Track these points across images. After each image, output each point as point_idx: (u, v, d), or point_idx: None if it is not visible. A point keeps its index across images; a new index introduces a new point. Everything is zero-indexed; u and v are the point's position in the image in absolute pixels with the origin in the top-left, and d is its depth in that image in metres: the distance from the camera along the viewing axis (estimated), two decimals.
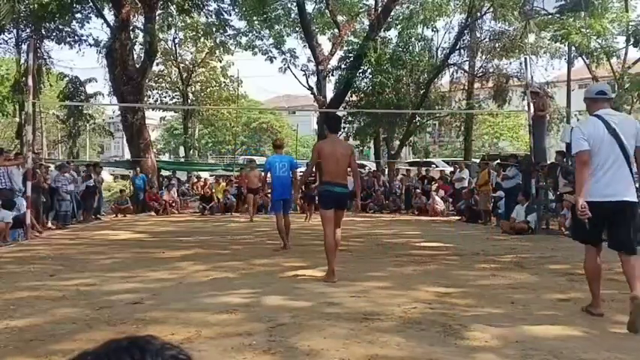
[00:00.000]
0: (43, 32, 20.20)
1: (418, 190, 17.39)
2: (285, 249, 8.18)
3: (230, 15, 23.08)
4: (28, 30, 20.26)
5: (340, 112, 22.42)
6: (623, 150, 3.93)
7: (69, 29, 20.38)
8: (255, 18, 23.45)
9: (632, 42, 18.90)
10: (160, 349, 0.74)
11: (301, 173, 9.20)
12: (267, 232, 10.67)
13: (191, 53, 31.19)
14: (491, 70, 22.21)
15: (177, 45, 29.50)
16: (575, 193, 4.31)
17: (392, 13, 21.68)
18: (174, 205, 17.52)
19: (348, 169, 6.01)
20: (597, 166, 3.95)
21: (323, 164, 5.95)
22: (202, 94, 32.97)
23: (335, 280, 5.66)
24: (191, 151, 33.01)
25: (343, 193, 5.89)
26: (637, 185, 4.24)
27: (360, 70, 21.25)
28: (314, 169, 7.60)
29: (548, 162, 11.71)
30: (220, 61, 30.72)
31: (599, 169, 3.95)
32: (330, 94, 22.57)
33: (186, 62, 31.06)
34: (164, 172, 21.08)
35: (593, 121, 4.07)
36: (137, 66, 18.65)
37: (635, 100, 19.75)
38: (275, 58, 24.22)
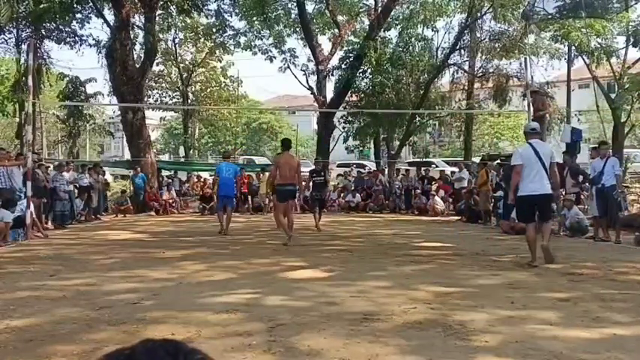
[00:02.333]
0: (43, 32, 20.20)
1: (418, 190, 17.39)
2: (223, 234, 10.48)
3: (231, 16, 23.13)
4: (28, 30, 20.27)
5: (340, 112, 22.47)
6: (543, 165, 6.69)
7: (69, 29, 20.39)
8: (255, 18, 23.45)
9: (632, 42, 18.88)
10: (191, 352, 0.79)
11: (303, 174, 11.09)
12: (267, 232, 10.69)
13: (191, 53, 31.19)
14: (491, 70, 22.19)
15: (177, 45, 29.49)
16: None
17: (392, 13, 21.66)
18: (174, 205, 17.52)
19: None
20: (529, 175, 6.68)
21: (279, 171, 9.05)
22: (202, 94, 32.93)
23: (288, 243, 8.65)
24: (191, 151, 32.98)
25: (292, 190, 9.20)
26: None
27: (360, 70, 21.23)
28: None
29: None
30: (220, 61, 30.73)
31: (530, 177, 6.68)
32: (330, 94, 22.58)
33: (186, 62, 31.02)
34: (165, 172, 21.07)
35: (527, 147, 6.87)
36: (137, 66, 18.64)
37: (635, 100, 19.73)
38: (275, 57, 24.23)
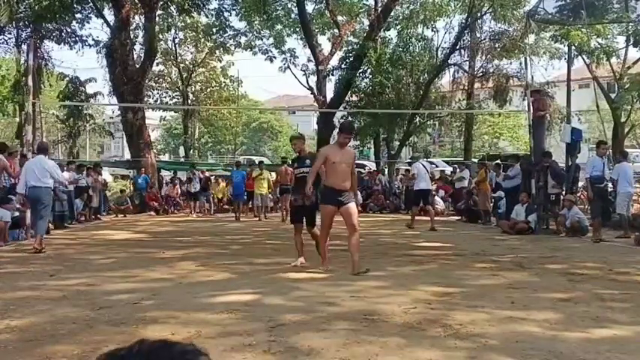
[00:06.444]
0: (43, 32, 20.19)
1: None
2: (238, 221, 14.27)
3: (230, 15, 23.14)
4: (28, 30, 20.25)
5: (340, 112, 22.46)
6: (427, 170, 11.85)
7: (69, 29, 20.37)
8: (255, 18, 23.46)
9: (632, 42, 18.89)
10: (183, 353, 0.78)
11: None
12: (267, 231, 10.69)
13: (191, 53, 31.16)
14: (491, 70, 22.20)
15: (177, 45, 29.48)
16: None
17: (392, 13, 21.66)
18: (180, 199, 17.54)
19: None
20: (422, 180, 11.53)
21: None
22: (202, 94, 32.91)
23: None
24: (191, 151, 32.97)
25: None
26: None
27: (360, 70, 21.23)
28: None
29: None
30: (220, 61, 30.73)
31: (423, 180, 11.54)
32: (330, 94, 22.57)
33: (186, 62, 30.99)
34: (165, 172, 21.09)
35: (418, 164, 11.93)
36: (137, 66, 18.65)
37: (635, 100, 19.74)
38: (275, 57, 24.24)
